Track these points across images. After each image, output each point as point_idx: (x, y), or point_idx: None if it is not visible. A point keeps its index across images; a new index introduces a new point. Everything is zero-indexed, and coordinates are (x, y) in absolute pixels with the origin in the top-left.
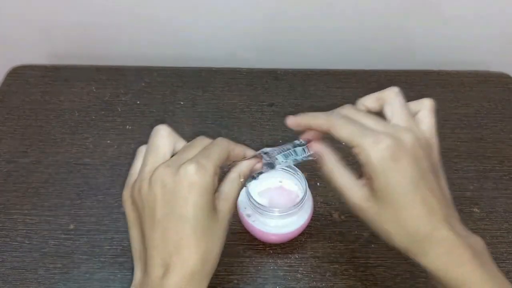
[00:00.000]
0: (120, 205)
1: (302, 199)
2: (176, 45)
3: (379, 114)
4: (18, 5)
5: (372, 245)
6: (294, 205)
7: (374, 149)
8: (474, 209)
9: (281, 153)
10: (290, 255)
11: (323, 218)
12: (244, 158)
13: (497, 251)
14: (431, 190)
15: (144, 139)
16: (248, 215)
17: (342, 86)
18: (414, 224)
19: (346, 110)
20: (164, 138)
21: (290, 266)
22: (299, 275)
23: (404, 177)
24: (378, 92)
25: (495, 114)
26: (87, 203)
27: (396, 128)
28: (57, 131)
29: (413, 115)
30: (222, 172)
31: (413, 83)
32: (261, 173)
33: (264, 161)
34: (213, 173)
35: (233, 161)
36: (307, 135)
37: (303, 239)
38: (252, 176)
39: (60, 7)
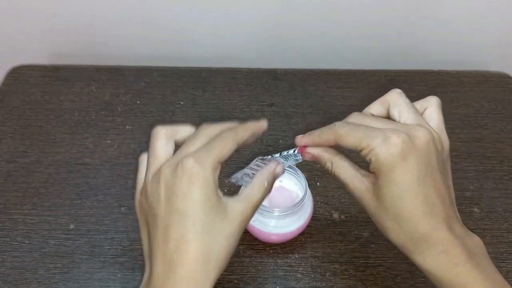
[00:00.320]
0: (120, 205)
1: (302, 199)
2: (176, 45)
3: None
4: (18, 5)
5: (372, 245)
6: (294, 205)
7: (383, 147)
8: (474, 209)
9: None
10: (290, 255)
11: (323, 218)
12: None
13: (497, 251)
14: (435, 189)
15: (144, 139)
16: None
17: (342, 86)
18: (413, 223)
19: (353, 117)
20: (161, 140)
21: (290, 266)
22: (299, 275)
23: (409, 175)
24: (381, 97)
25: (495, 114)
26: (87, 203)
27: (408, 125)
28: (57, 131)
29: (420, 113)
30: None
31: (413, 83)
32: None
33: (262, 165)
34: (212, 167)
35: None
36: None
37: (303, 239)
38: (248, 176)
39: (60, 7)
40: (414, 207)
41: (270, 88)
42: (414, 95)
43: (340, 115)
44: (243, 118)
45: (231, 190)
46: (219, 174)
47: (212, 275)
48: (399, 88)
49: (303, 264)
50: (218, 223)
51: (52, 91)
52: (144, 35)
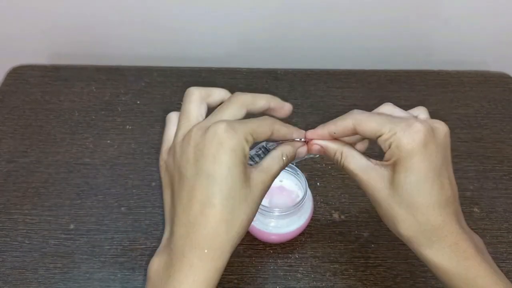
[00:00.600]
0: (120, 205)
1: (302, 199)
2: (176, 45)
3: None
4: (18, 5)
5: (372, 245)
6: (294, 205)
7: (406, 132)
8: (474, 209)
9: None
10: (290, 255)
11: (323, 218)
12: (291, 139)
13: (497, 251)
14: (449, 181)
15: (144, 139)
16: None
17: (342, 86)
18: (427, 213)
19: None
20: (194, 101)
21: (290, 266)
22: (299, 275)
23: (428, 164)
24: (374, 110)
25: (495, 114)
26: (87, 203)
27: (426, 118)
28: (57, 131)
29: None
30: (266, 150)
31: (413, 83)
32: (258, 156)
33: (263, 155)
34: (244, 138)
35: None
36: (313, 135)
37: (303, 239)
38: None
39: (60, 7)
40: (430, 196)
41: (270, 88)
42: (414, 95)
43: (340, 115)
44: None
45: None
46: (249, 149)
47: (234, 240)
48: (399, 88)
49: (303, 264)
50: (243, 190)
51: (52, 91)
52: (144, 35)
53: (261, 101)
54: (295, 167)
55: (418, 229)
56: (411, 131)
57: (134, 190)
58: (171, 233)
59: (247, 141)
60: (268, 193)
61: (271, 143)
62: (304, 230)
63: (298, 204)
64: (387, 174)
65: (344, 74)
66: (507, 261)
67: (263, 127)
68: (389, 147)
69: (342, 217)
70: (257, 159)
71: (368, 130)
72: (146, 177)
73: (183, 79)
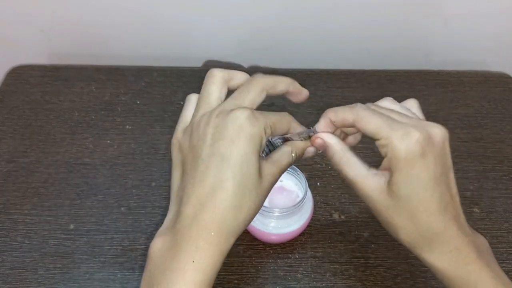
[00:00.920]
0: (120, 205)
1: (302, 199)
2: (176, 45)
3: None
4: (18, 5)
5: (372, 245)
6: (294, 205)
7: (403, 142)
8: (474, 209)
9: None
10: (290, 255)
11: (323, 218)
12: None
13: (497, 251)
14: (449, 187)
15: (144, 139)
16: None
17: (342, 86)
18: (428, 221)
19: (369, 105)
20: (216, 83)
21: (290, 266)
22: (299, 275)
23: (427, 173)
24: (376, 102)
25: (495, 114)
26: (87, 203)
27: (424, 122)
28: (57, 131)
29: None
30: (270, 144)
31: (413, 83)
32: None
33: (266, 149)
34: (263, 128)
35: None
36: (320, 126)
37: (303, 239)
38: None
39: (60, 7)
40: (430, 204)
41: None
42: (414, 95)
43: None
44: None
45: None
46: (266, 141)
47: (240, 226)
48: (399, 88)
49: (303, 264)
50: (255, 179)
51: (52, 91)
52: (144, 35)
53: (281, 84)
54: (295, 167)
55: (419, 236)
56: (408, 141)
57: (134, 190)
58: (178, 213)
59: (265, 132)
60: None
61: (276, 137)
62: (304, 230)
63: (298, 204)
64: (384, 185)
65: (344, 74)
66: (507, 261)
67: (282, 123)
68: (386, 155)
69: (342, 217)
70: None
71: (366, 130)
72: (146, 177)
73: (183, 79)
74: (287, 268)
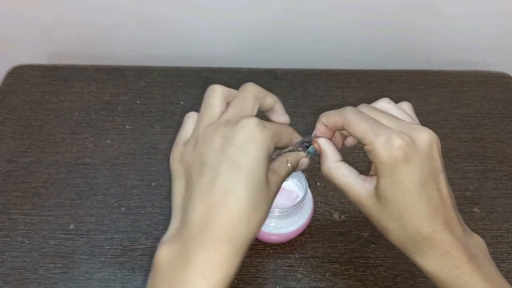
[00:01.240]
0: (120, 205)
1: (302, 199)
2: (176, 45)
3: None
4: (18, 5)
5: (372, 245)
6: (294, 205)
7: (385, 149)
8: (474, 209)
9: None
10: (290, 255)
11: (323, 218)
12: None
13: (497, 251)
14: (438, 191)
15: (144, 139)
16: None
17: (342, 86)
18: (416, 225)
19: (361, 108)
20: (218, 97)
21: (290, 266)
22: (299, 275)
23: (412, 178)
24: (373, 104)
25: (495, 114)
26: (87, 203)
27: (411, 126)
28: (57, 131)
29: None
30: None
31: (413, 83)
32: None
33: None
34: (271, 136)
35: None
36: (317, 131)
37: (303, 239)
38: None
39: (60, 7)
40: (417, 209)
41: (270, 88)
42: (414, 95)
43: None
44: None
45: None
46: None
47: (251, 235)
48: (399, 88)
49: (303, 264)
50: (264, 186)
51: (52, 91)
52: (144, 35)
53: (270, 98)
54: None
55: (409, 239)
56: (391, 147)
57: (134, 190)
58: (184, 221)
59: (272, 141)
60: None
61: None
62: (304, 230)
63: (298, 204)
64: (373, 191)
65: (344, 74)
66: (507, 261)
67: (287, 133)
68: (372, 161)
69: (342, 217)
70: None
71: (353, 135)
72: (146, 177)
73: (183, 79)
74: (287, 268)
